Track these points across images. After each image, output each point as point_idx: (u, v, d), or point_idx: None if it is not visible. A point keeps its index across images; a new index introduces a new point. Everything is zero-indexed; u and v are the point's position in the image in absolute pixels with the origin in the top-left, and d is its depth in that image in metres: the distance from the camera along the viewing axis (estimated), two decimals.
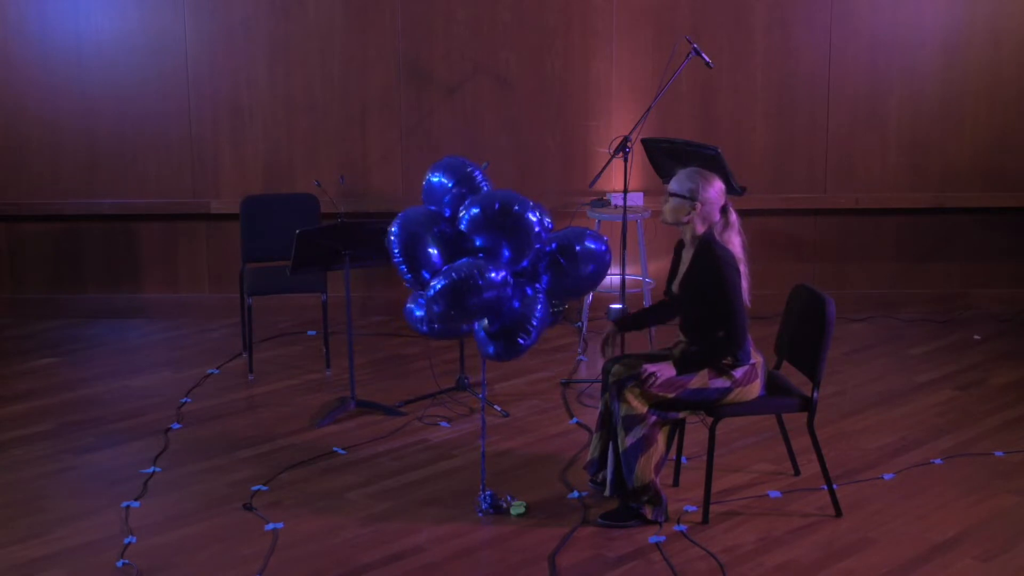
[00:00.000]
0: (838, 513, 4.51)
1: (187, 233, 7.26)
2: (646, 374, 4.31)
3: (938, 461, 5.03)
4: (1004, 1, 7.02)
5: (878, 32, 7.05)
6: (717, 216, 4.42)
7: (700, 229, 4.42)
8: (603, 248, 4.45)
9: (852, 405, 5.71)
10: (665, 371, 4.34)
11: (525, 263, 4.37)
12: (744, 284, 4.41)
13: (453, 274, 4.19)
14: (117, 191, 7.17)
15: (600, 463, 4.65)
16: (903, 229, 7.29)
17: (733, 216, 4.44)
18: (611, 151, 5.94)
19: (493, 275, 4.21)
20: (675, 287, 4.55)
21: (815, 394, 4.49)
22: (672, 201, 4.43)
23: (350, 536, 4.38)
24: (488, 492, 4.59)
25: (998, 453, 5.11)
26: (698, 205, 4.38)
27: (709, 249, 4.37)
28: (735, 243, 4.43)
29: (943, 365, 6.31)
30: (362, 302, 7.16)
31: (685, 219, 4.41)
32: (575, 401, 5.80)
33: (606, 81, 7.09)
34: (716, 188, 4.42)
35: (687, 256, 4.49)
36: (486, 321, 4.35)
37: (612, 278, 7.17)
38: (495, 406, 5.67)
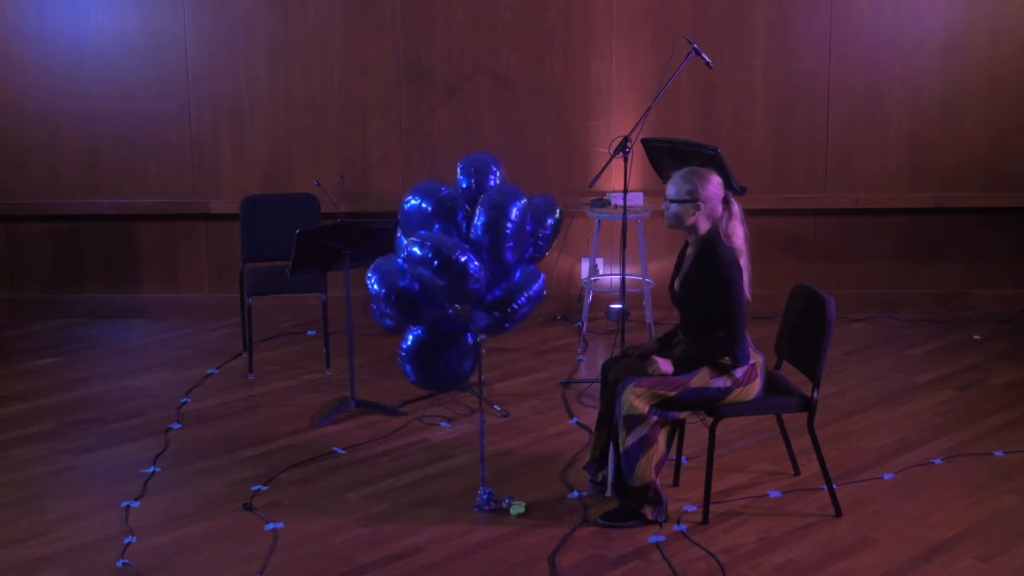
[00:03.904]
0: (838, 513, 4.51)
1: (187, 233, 7.26)
2: (653, 365, 4.33)
3: (938, 461, 5.03)
4: (1004, 1, 7.03)
5: (878, 32, 7.05)
6: (720, 210, 4.41)
7: (705, 227, 4.41)
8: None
9: (852, 405, 5.71)
10: (668, 367, 4.35)
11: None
12: (745, 277, 4.40)
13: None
14: (117, 191, 7.18)
15: (600, 463, 4.65)
16: (903, 229, 7.29)
17: (735, 207, 4.42)
18: (611, 151, 5.94)
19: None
20: (676, 285, 4.54)
21: (815, 394, 4.48)
22: (673, 207, 4.41)
23: (350, 536, 4.38)
24: (488, 489, 4.59)
25: (998, 453, 5.11)
26: (701, 205, 4.37)
27: (713, 248, 4.37)
28: (738, 233, 4.41)
29: (943, 365, 6.31)
30: (362, 302, 7.16)
31: (690, 221, 4.40)
32: (575, 401, 5.80)
33: (606, 81, 7.09)
34: (714, 183, 4.40)
35: (690, 254, 4.49)
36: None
37: (612, 278, 7.19)
38: (495, 406, 5.67)
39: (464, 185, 4.58)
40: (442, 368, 4.60)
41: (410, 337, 4.60)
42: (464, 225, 4.45)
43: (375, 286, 4.41)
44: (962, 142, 7.17)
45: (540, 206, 4.61)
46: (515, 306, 4.46)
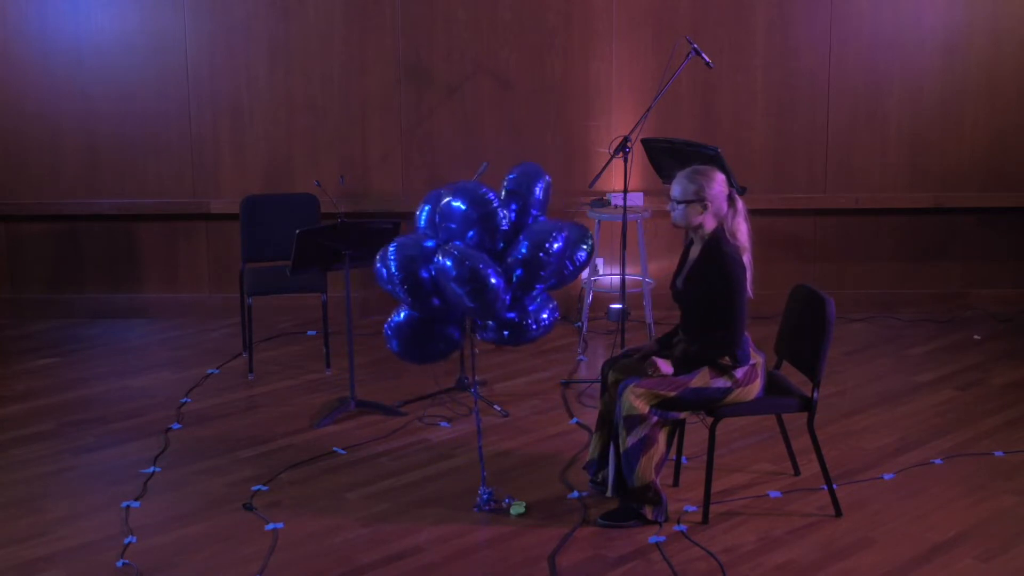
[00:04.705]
0: (838, 513, 4.51)
1: (187, 233, 7.26)
2: (653, 366, 4.33)
3: (938, 461, 5.03)
4: (1004, 1, 7.03)
5: (878, 32, 7.05)
6: (726, 207, 4.41)
7: (711, 225, 4.40)
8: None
9: (852, 405, 5.71)
10: (668, 368, 4.35)
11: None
12: (748, 274, 4.40)
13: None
14: (117, 191, 7.18)
15: (600, 463, 4.65)
16: (903, 229, 7.29)
17: (740, 204, 4.42)
18: (611, 151, 5.94)
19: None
20: (679, 283, 4.54)
21: (815, 394, 4.48)
22: (680, 208, 4.40)
23: (350, 536, 4.39)
24: (488, 489, 4.59)
25: (998, 453, 5.11)
26: (708, 204, 4.37)
27: (718, 246, 4.36)
28: (742, 230, 4.41)
29: (943, 365, 6.31)
30: (362, 302, 7.16)
31: (697, 220, 4.40)
32: (575, 401, 5.80)
33: (606, 81, 7.09)
34: (719, 181, 4.40)
35: (694, 252, 4.49)
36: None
37: (612, 278, 7.19)
38: (495, 406, 5.67)
39: (510, 188, 4.61)
40: (428, 348, 4.64)
41: (402, 313, 4.63)
42: (500, 244, 4.47)
43: (393, 266, 4.42)
44: (962, 142, 7.18)
45: (572, 239, 4.65)
46: (526, 328, 4.57)
